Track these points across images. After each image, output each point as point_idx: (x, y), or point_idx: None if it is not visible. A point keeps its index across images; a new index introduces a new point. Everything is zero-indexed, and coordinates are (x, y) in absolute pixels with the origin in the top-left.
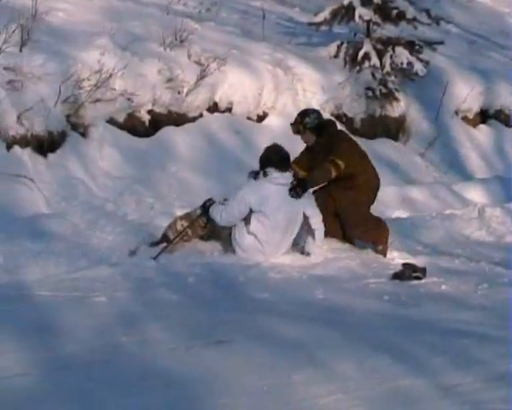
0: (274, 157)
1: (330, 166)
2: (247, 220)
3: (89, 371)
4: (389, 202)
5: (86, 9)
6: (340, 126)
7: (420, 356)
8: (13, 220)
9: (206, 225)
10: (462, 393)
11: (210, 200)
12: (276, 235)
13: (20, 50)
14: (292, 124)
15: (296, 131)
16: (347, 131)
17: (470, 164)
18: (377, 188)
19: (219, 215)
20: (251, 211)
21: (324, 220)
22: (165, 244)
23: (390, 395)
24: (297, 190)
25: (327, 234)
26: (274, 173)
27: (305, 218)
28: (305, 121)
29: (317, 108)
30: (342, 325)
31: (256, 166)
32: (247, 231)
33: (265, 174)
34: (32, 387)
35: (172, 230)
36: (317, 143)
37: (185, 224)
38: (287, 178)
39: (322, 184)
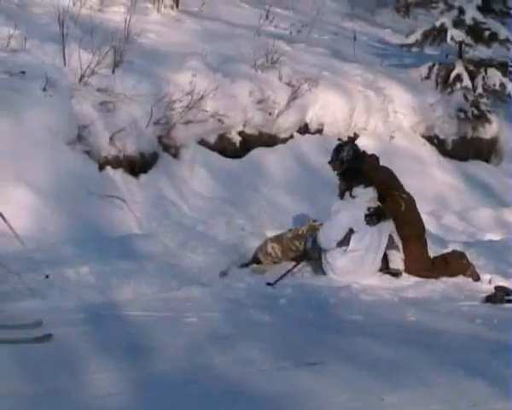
0: (355, 177)
1: (400, 200)
2: (341, 242)
3: (180, 391)
4: (481, 225)
5: (178, 31)
6: (431, 148)
7: None
8: (105, 240)
9: (297, 248)
10: None
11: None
12: (370, 255)
13: (113, 72)
14: (330, 163)
15: (334, 169)
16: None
17: None
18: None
19: (318, 240)
20: (350, 231)
21: None
22: (284, 271)
23: None
24: (373, 218)
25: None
26: (361, 190)
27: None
28: (340, 157)
29: (408, 129)
30: (435, 348)
31: None
32: (341, 252)
33: (352, 195)
34: (123, 406)
35: (263, 252)
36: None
37: (276, 246)
38: (371, 192)
39: None
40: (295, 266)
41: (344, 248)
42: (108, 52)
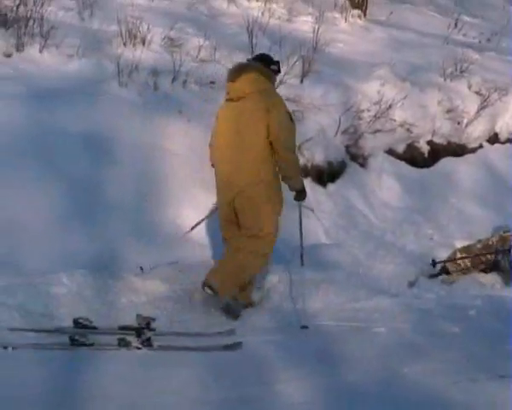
0: None
1: None
2: None
3: (371, 400)
4: None
5: (366, 40)
6: None
7: None
8: (292, 249)
9: (487, 260)
10: None
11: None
12: None
13: (301, 81)
14: None
15: None
16: None
17: None
18: None
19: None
20: None
21: None
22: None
23: None
24: None
25: None
26: None
27: None
28: None
29: None
30: None
31: None
32: None
33: None
34: None
35: (452, 262)
36: None
37: (466, 261)
38: None
39: None
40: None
41: None
42: (297, 62)
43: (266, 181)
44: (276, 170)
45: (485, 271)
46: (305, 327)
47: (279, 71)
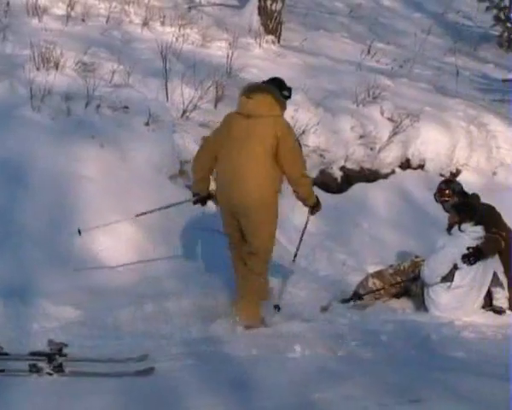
0: (468, 212)
1: (499, 238)
2: (444, 278)
3: None
4: None
5: (280, 66)
6: None
7: None
8: (206, 274)
9: (400, 284)
10: None
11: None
12: (473, 292)
13: (215, 107)
14: (437, 191)
15: (443, 197)
16: None
17: None
18: None
19: (421, 273)
20: (455, 267)
21: None
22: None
23: None
24: (471, 258)
25: None
26: (471, 228)
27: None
28: (452, 186)
29: (511, 165)
30: None
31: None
32: (444, 288)
33: (461, 229)
34: None
35: (364, 287)
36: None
37: (377, 282)
38: (480, 232)
39: None
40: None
41: (448, 284)
42: (210, 87)
43: (268, 204)
44: (277, 189)
45: (396, 296)
46: (277, 307)
47: (289, 97)
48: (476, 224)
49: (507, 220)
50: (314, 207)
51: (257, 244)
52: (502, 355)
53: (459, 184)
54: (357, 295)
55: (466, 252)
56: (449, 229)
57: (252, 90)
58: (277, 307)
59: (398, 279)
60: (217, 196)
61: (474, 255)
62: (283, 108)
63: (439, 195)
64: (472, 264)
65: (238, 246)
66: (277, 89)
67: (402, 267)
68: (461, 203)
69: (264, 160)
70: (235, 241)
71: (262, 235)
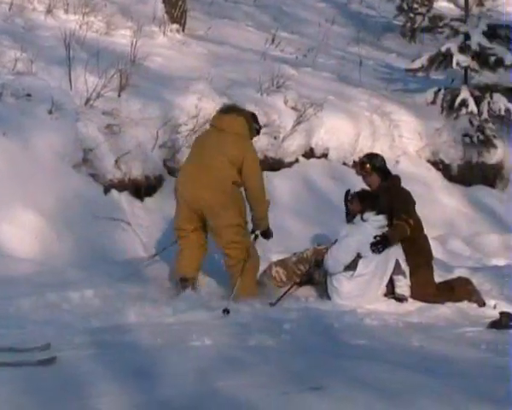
0: (370, 201)
1: (406, 226)
2: (349, 267)
3: None
4: (487, 250)
5: (184, 55)
6: (436, 173)
7: None
8: (110, 264)
9: (303, 273)
10: None
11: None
12: (376, 280)
13: (119, 95)
14: (358, 163)
15: (362, 171)
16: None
17: None
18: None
19: (324, 262)
20: (358, 256)
21: None
22: (284, 290)
23: None
24: (379, 246)
25: None
26: (373, 217)
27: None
28: (374, 161)
29: (413, 154)
30: (439, 374)
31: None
32: (347, 277)
33: (363, 218)
34: None
35: (267, 275)
36: (379, 188)
37: (280, 270)
38: (382, 220)
39: None
40: (296, 284)
41: (350, 272)
42: (114, 75)
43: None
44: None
45: (299, 284)
46: (226, 311)
47: (258, 133)
48: (378, 213)
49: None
50: (265, 232)
51: (224, 240)
52: (404, 343)
53: (382, 160)
54: (261, 284)
55: (373, 240)
56: (349, 217)
57: (229, 108)
58: (226, 311)
59: (302, 268)
60: (177, 190)
61: (381, 243)
62: (253, 135)
63: (360, 167)
64: (380, 252)
65: (190, 234)
66: (252, 119)
67: (305, 255)
68: (364, 192)
69: (228, 171)
70: (187, 231)
71: (226, 232)
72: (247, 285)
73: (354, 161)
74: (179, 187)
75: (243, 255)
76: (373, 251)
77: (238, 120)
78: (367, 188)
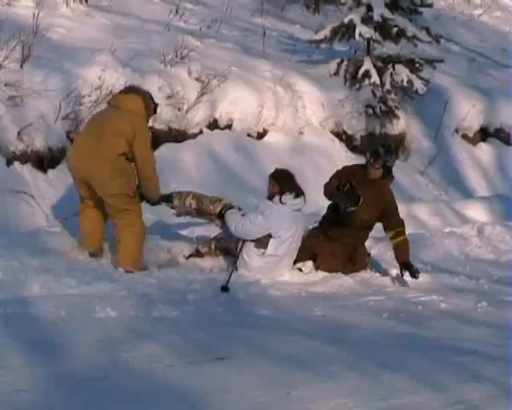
0: (287, 182)
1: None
2: (259, 243)
3: (87, 388)
4: None
5: (87, 26)
6: (339, 144)
7: (420, 373)
8: (13, 236)
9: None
10: None
11: (228, 206)
12: (286, 258)
13: (21, 66)
14: (374, 153)
15: (375, 162)
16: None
17: (470, 182)
18: None
19: (234, 225)
20: (269, 236)
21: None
22: (230, 271)
23: None
24: (414, 271)
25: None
26: (292, 200)
27: None
28: (386, 159)
29: (317, 125)
30: (342, 342)
31: (257, 183)
32: (257, 253)
33: (282, 201)
34: (30, 403)
35: (181, 201)
36: (375, 183)
37: (193, 202)
38: (301, 203)
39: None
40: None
41: (262, 251)
42: (16, 46)
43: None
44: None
45: (216, 254)
46: (225, 288)
47: (155, 112)
48: (296, 196)
49: (313, 180)
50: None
51: (114, 209)
52: (307, 313)
53: (394, 161)
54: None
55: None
56: (269, 198)
57: (128, 88)
58: (226, 289)
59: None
60: (69, 161)
61: (412, 268)
62: (150, 113)
63: (373, 159)
64: (417, 278)
65: (89, 205)
66: (150, 100)
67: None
68: (279, 172)
69: (117, 142)
70: (86, 202)
71: (114, 202)
72: (130, 251)
73: (371, 151)
74: (69, 160)
75: (129, 223)
76: (416, 278)
77: (134, 99)
78: (280, 167)
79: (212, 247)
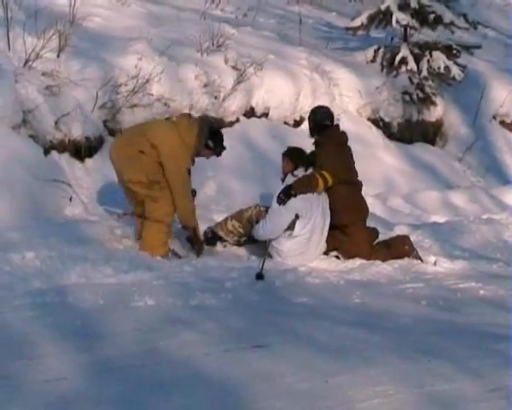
0: (300, 157)
1: (319, 178)
2: (288, 227)
3: (127, 376)
4: (427, 207)
5: (123, 15)
6: (376, 131)
7: (458, 360)
8: (51, 225)
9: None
10: (502, 397)
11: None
12: (315, 236)
13: (58, 56)
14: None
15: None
16: (383, 137)
17: (508, 168)
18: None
19: (262, 230)
20: (296, 217)
21: None
22: (265, 258)
23: (428, 400)
24: (280, 196)
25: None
26: (304, 173)
27: None
28: (312, 117)
29: (353, 112)
30: (380, 330)
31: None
32: (285, 236)
33: (294, 174)
34: (71, 390)
35: (224, 231)
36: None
37: (236, 224)
38: None
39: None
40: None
41: (289, 232)
42: (53, 36)
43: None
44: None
45: (239, 244)
46: (260, 276)
47: (216, 154)
48: (307, 168)
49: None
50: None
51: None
52: (345, 300)
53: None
54: (215, 236)
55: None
56: (283, 178)
57: (198, 117)
58: (260, 276)
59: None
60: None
61: (283, 193)
62: (196, 147)
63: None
64: (284, 203)
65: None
66: (210, 135)
67: (249, 214)
68: (292, 149)
69: (140, 143)
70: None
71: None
72: (149, 237)
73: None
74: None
75: (151, 209)
76: (278, 203)
77: (190, 128)
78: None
79: (229, 226)
